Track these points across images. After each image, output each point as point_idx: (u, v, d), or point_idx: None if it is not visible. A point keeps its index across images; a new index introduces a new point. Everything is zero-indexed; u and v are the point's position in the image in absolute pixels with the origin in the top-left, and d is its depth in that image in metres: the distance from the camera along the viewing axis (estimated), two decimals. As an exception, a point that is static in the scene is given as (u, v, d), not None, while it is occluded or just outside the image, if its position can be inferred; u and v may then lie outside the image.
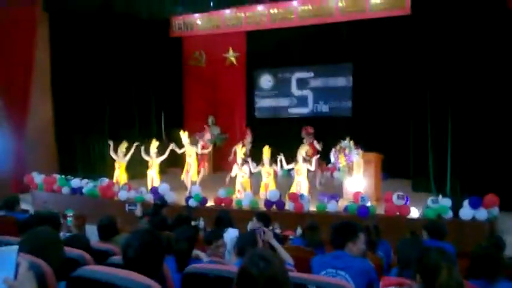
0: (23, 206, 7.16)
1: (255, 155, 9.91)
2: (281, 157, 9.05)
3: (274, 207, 8.10)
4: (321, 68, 12.87)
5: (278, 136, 11.85)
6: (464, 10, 8.74)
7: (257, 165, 9.32)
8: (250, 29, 13.11)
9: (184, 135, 10.23)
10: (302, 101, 13.23)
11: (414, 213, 7.43)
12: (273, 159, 9.17)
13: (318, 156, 9.73)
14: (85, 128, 11.95)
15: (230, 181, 9.64)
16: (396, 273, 3.09)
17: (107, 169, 10.64)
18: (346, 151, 8.83)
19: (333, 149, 9.11)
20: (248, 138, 11.02)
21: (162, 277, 2.23)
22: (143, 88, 13.00)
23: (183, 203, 8.68)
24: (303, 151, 8.98)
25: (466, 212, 6.94)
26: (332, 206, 7.86)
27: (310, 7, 12.16)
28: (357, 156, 8.76)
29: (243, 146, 10.16)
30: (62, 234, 3.88)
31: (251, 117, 13.77)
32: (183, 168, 10.37)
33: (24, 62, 10.98)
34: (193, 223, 5.40)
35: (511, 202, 7.67)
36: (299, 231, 5.81)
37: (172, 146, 10.12)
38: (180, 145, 10.22)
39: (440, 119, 9.16)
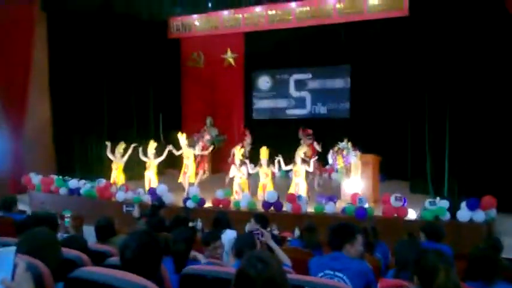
0: (21, 206, 7.14)
1: (253, 157, 9.91)
2: (279, 158, 9.05)
3: (272, 208, 8.10)
4: (319, 69, 12.89)
5: (276, 137, 11.84)
6: (462, 12, 8.76)
7: (255, 166, 9.32)
8: (249, 30, 13.13)
9: (182, 137, 10.22)
10: (300, 103, 13.25)
11: (412, 215, 7.43)
12: (271, 160, 9.18)
13: (317, 157, 9.74)
14: (83, 128, 11.94)
15: (229, 182, 9.64)
16: (393, 274, 3.09)
17: (105, 170, 10.62)
18: (344, 153, 8.84)
19: (331, 151, 9.13)
20: (248, 140, 11.04)
21: (159, 278, 2.22)
22: (141, 89, 13.00)
23: (181, 204, 8.68)
24: (301, 152, 8.99)
25: (464, 213, 6.96)
26: (330, 208, 7.86)
27: (308, 8, 12.17)
28: (354, 158, 8.76)
29: (242, 147, 10.16)
30: (60, 235, 3.87)
31: (249, 118, 13.79)
32: (180, 169, 10.37)
33: (22, 61, 10.96)
34: (191, 224, 5.39)
35: (509, 204, 7.68)
36: (297, 232, 5.80)
37: (169, 147, 10.11)
38: (178, 147, 10.21)
39: (438, 120, 9.17)
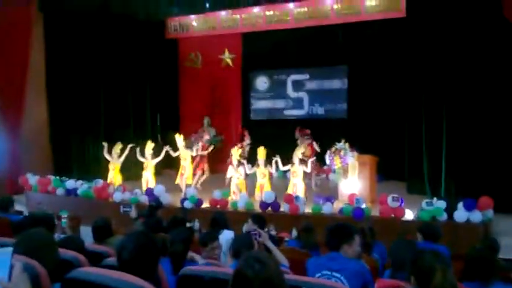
0: (17, 207, 7.15)
1: (251, 157, 9.92)
2: (277, 158, 9.05)
3: (269, 209, 8.09)
4: (317, 70, 12.90)
5: (274, 138, 11.80)
6: (459, 13, 8.78)
7: (252, 166, 9.32)
8: (246, 31, 13.12)
9: (179, 139, 10.20)
10: (298, 103, 13.26)
11: (409, 215, 7.44)
12: (268, 161, 9.17)
13: (314, 158, 9.75)
14: (80, 129, 11.91)
15: (229, 183, 9.63)
16: (389, 275, 3.09)
17: (102, 170, 10.59)
18: (342, 153, 8.86)
19: (328, 151, 9.14)
20: (247, 140, 11.04)
21: (157, 279, 2.23)
22: (139, 89, 12.98)
23: (178, 204, 8.66)
24: (299, 152, 8.99)
25: (461, 214, 6.96)
26: (327, 208, 7.86)
27: (305, 9, 12.16)
28: (352, 159, 8.78)
29: (242, 147, 10.16)
30: (57, 236, 3.86)
31: (247, 118, 13.79)
32: (178, 170, 10.35)
33: (19, 62, 10.93)
34: (188, 225, 5.39)
35: (506, 204, 7.69)
36: (294, 233, 5.81)
37: (167, 148, 10.09)
38: (176, 147, 10.20)
39: (435, 121, 9.19)
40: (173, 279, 2.55)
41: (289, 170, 9.12)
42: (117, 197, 9.14)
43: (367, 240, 4.31)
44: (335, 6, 11.71)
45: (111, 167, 10.18)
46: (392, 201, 7.41)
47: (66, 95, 11.78)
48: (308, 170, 9.06)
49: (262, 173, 9.16)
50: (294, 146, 9.47)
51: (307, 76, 13.08)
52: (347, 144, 8.94)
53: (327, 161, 9.18)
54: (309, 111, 13.10)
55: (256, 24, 12.79)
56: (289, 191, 8.72)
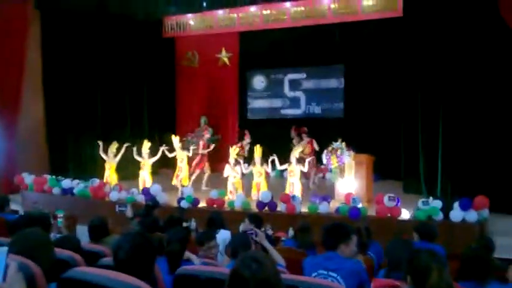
0: (13, 206, 7.10)
1: (248, 157, 9.90)
2: (273, 157, 9.05)
3: (266, 208, 8.10)
4: (313, 69, 12.93)
5: (271, 137, 11.78)
6: (456, 13, 8.79)
7: (248, 165, 9.31)
8: (243, 30, 13.09)
9: (175, 139, 10.18)
10: (295, 102, 13.27)
11: (405, 214, 7.46)
12: (265, 159, 9.17)
13: (313, 156, 9.76)
14: (76, 128, 11.87)
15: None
16: (384, 274, 3.10)
17: (98, 170, 10.56)
18: (338, 152, 8.85)
19: (325, 151, 9.14)
20: (247, 139, 11.03)
21: (153, 279, 2.22)
22: (135, 88, 12.94)
23: (175, 204, 8.66)
24: (296, 152, 8.99)
25: (457, 213, 6.99)
26: (324, 208, 7.87)
27: (302, 8, 12.16)
28: (348, 158, 8.79)
29: (241, 147, 10.16)
30: (53, 235, 3.85)
31: (244, 118, 13.78)
32: (175, 169, 10.34)
33: (15, 60, 10.89)
34: (185, 224, 5.38)
35: (501, 204, 7.72)
36: (291, 232, 5.81)
37: (163, 147, 10.07)
38: (172, 147, 10.18)
39: (431, 120, 9.21)
40: (170, 279, 2.55)
41: (286, 170, 9.12)
42: (114, 196, 9.12)
43: (363, 240, 4.32)
44: (332, 6, 11.71)
45: (107, 166, 10.17)
46: (388, 201, 7.42)
47: (62, 94, 11.73)
48: (305, 169, 9.07)
49: (259, 171, 9.15)
50: (290, 145, 9.47)
51: (304, 75, 13.10)
52: (344, 143, 8.95)
53: (324, 161, 9.18)
54: (306, 110, 13.12)
55: (253, 24, 12.77)
56: (287, 190, 8.72)
